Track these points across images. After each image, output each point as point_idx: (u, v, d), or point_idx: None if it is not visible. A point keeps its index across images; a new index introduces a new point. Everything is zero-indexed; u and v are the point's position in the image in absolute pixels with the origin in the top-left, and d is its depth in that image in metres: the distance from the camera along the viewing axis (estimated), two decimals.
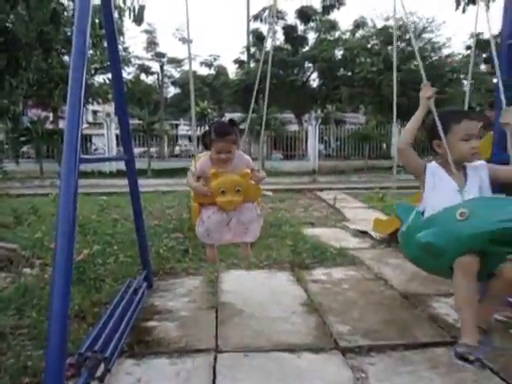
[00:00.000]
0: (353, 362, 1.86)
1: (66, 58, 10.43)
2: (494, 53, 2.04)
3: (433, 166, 1.84)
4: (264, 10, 19.48)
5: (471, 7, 15.94)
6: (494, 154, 2.42)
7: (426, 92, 1.80)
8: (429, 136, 1.86)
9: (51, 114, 14.62)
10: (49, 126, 14.12)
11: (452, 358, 1.53)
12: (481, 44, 19.76)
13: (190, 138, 20.37)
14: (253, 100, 2.40)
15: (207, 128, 2.42)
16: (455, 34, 38.40)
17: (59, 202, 1.49)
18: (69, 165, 1.52)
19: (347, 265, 3.34)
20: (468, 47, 20.43)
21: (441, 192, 1.76)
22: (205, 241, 2.39)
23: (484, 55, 18.78)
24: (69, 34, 7.52)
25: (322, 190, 9.29)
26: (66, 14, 6.81)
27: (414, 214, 1.86)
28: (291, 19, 19.56)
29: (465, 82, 16.60)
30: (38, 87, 10.61)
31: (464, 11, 16.78)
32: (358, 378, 1.73)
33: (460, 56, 17.12)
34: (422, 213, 1.80)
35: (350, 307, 2.47)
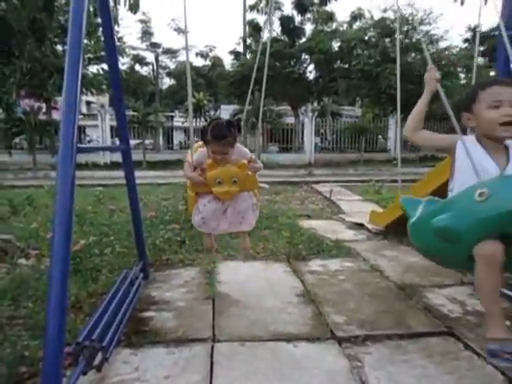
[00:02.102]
0: (349, 351, 1.88)
1: (59, 47, 10.27)
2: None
3: (468, 140, 1.61)
4: (260, 0, 19.27)
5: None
6: None
7: (433, 74, 1.73)
8: (459, 113, 1.67)
9: (44, 105, 14.45)
10: (42, 116, 13.97)
11: (487, 358, 1.48)
12: (479, 37, 19.78)
13: (185, 131, 20.25)
14: (250, 92, 2.38)
15: (205, 123, 2.45)
16: (452, 27, 38.32)
17: (56, 191, 1.47)
18: (66, 154, 1.50)
19: (343, 256, 3.36)
20: (466, 40, 20.43)
21: (475, 172, 1.51)
22: (201, 230, 2.40)
23: (481, 48, 18.77)
24: (63, 22, 7.41)
25: (317, 182, 9.30)
26: (59, 1, 6.71)
27: (425, 203, 1.76)
28: (288, 10, 19.40)
29: (462, 75, 16.62)
30: (31, 77, 10.47)
31: (462, 3, 16.71)
32: (354, 366, 1.75)
33: (457, 49, 17.10)
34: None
35: (345, 298, 2.49)
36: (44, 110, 14.49)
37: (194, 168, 2.23)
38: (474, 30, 20.16)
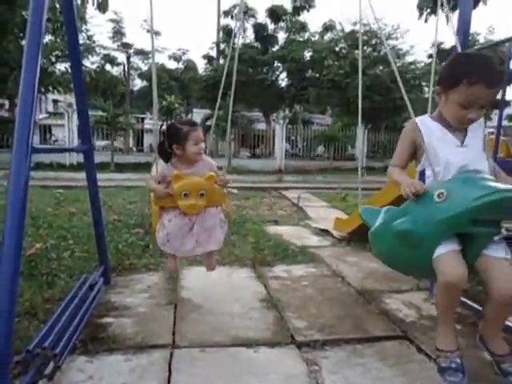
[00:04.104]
0: (307, 355, 1.91)
1: (24, 42, 9.92)
2: None
3: (425, 121, 1.64)
4: (234, 6, 19.42)
5: (433, 17, 16.63)
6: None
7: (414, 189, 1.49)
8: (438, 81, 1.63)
9: (7, 102, 13.85)
10: (4, 113, 13.37)
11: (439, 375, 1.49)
12: (442, 53, 20.75)
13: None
14: (219, 96, 2.31)
15: (165, 132, 2.27)
16: (418, 43, 40.04)
17: (8, 193, 1.42)
18: (20, 154, 1.45)
19: (307, 262, 3.41)
20: (430, 56, 21.39)
21: (439, 148, 1.55)
22: (165, 249, 2.25)
23: (444, 63, 19.72)
24: (26, 17, 7.19)
25: (287, 188, 9.40)
26: None
27: (384, 211, 1.77)
28: (262, 18, 19.64)
29: (426, 88, 17.36)
30: None
31: (426, 21, 17.50)
32: (312, 370, 1.78)
33: (422, 64, 17.87)
34: (421, 175, 1.66)
35: (307, 303, 2.53)
36: (7, 106, 13.89)
37: (158, 183, 2.16)
38: (437, 46, 21.17)
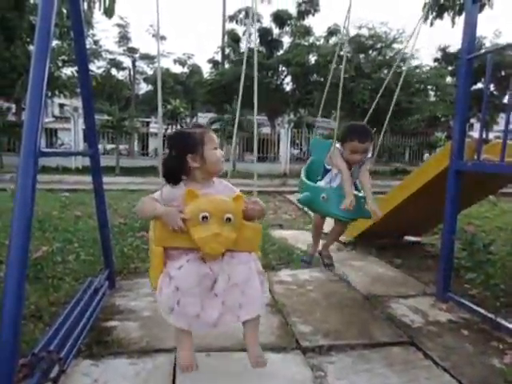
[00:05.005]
0: (313, 361, 1.89)
1: (31, 47, 10.02)
2: None
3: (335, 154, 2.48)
4: (240, 11, 19.53)
5: (438, 21, 16.58)
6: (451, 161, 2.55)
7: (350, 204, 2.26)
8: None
9: (14, 106, 13.98)
10: (11, 117, 13.50)
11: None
12: (448, 57, 20.71)
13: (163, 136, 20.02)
14: (239, 102, 2.07)
15: (170, 144, 1.65)
16: (423, 46, 39.98)
17: (16, 197, 1.43)
18: (27, 157, 1.46)
19: (312, 266, 3.39)
20: (435, 59, 21.36)
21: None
22: (173, 321, 1.47)
23: (450, 68, 19.68)
24: (34, 22, 7.26)
25: (292, 192, 9.38)
26: (31, 1, 6.55)
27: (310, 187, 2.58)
28: (267, 22, 19.73)
29: (431, 92, 17.32)
30: (0, 77, 10.14)
31: (432, 25, 17.47)
32: (317, 376, 1.76)
33: (428, 68, 17.83)
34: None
35: (313, 308, 2.51)
36: (14, 110, 14.03)
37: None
38: (443, 49, 21.10)
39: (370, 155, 2.58)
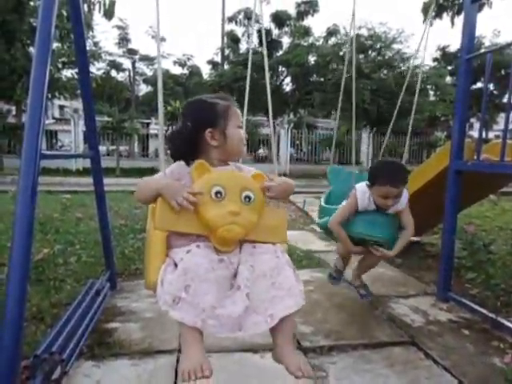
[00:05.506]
0: (314, 361, 1.89)
1: (31, 49, 10.04)
2: None
3: (360, 190, 2.25)
4: (239, 12, 19.53)
5: (437, 21, 16.59)
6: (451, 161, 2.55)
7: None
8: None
9: (14, 108, 13.99)
10: (11, 119, 13.51)
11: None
12: (447, 56, 20.70)
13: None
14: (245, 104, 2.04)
15: (184, 115, 1.39)
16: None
17: (17, 199, 1.44)
18: (29, 160, 1.47)
19: (313, 267, 3.40)
20: (435, 59, 21.36)
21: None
22: (177, 315, 1.12)
23: (449, 67, 19.67)
24: (34, 24, 7.27)
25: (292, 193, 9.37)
26: (31, 3, 6.57)
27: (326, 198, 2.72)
28: (266, 23, 19.70)
29: (431, 92, 17.31)
30: (0, 79, 10.16)
31: (431, 24, 17.36)
32: (319, 376, 1.76)
33: (427, 67, 17.83)
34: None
35: (313, 308, 2.52)
36: (14, 112, 14.03)
37: None
38: (442, 49, 21.11)
39: (405, 194, 2.20)
